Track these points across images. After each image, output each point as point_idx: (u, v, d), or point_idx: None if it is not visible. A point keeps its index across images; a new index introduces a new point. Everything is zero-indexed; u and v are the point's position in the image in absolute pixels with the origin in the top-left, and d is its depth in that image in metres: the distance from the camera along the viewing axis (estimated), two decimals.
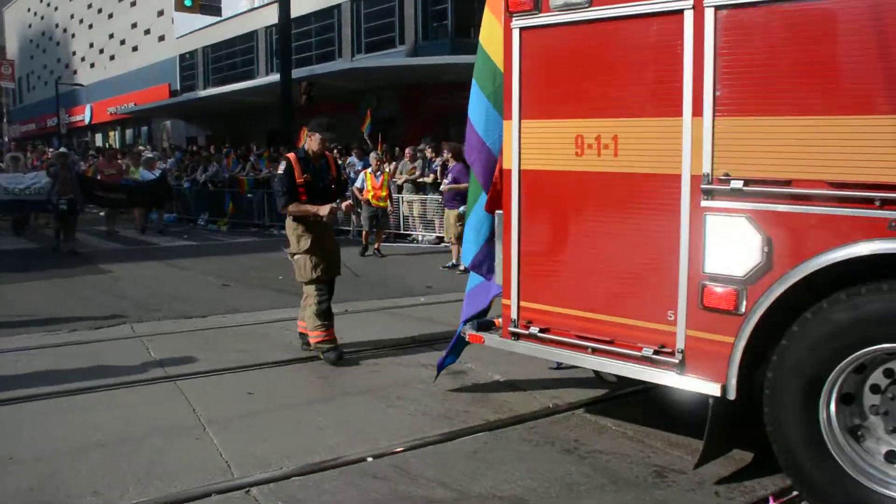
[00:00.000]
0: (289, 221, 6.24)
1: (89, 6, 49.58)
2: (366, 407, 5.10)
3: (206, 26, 33.62)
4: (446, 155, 12.02)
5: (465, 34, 24.70)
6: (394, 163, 15.62)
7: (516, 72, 4.34)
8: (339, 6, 28.32)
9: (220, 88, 30.81)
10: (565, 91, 4.19)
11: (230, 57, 35.79)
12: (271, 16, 25.18)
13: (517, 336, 4.49)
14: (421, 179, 14.96)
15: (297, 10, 24.74)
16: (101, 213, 17.73)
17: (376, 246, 13.01)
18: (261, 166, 17.92)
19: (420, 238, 14.82)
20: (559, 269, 4.31)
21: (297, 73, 22.30)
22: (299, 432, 4.61)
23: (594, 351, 4.14)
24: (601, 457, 4.21)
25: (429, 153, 14.75)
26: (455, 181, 11.38)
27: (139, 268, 11.79)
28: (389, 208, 13.82)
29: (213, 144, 25.75)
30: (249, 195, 17.51)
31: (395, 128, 22.38)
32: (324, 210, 6.06)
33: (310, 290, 6.20)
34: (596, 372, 5.05)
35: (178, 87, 39.20)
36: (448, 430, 4.61)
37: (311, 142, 6.28)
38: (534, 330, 4.38)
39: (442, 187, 12.25)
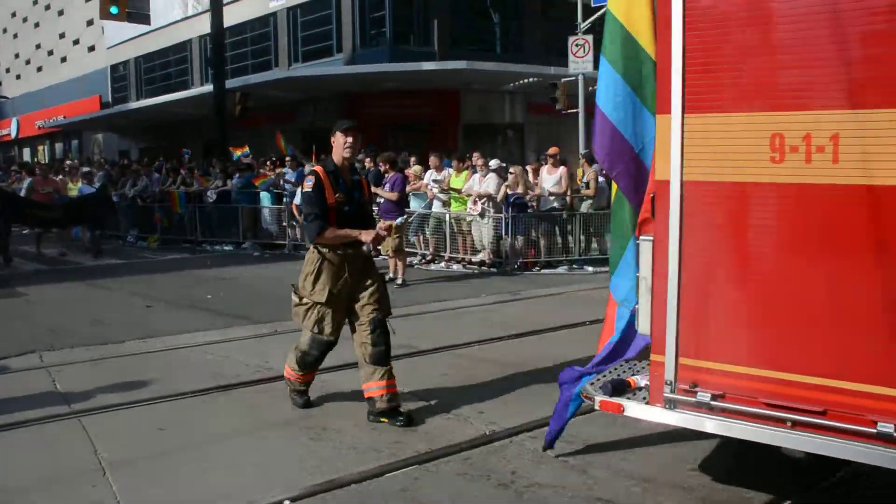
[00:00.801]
0: (311, 254, 5.01)
1: (13, 15, 47.82)
2: (288, 441, 4.68)
3: (138, 36, 32.66)
4: (382, 167, 11.66)
5: (405, 41, 24.43)
6: None
7: (678, 47, 3.26)
8: (275, 14, 27.74)
9: (153, 100, 29.85)
10: (754, 72, 3.15)
11: (164, 67, 34.82)
12: (205, 25, 24.49)
13: (673, 404, 3.42)
14: (375, 190, 14.52)
15: (231, 19, 24.14)
16: (25, 232, 16.83)
17: None
18: (192, 180, 17.25)
19: None
20: (742, 315, 3.27)
21: (231, 82, 21.70)
22: (210, 474, 4.17)
23: (795, 425, 3.12)
24: (540, 491, 3.88)
25: (367, 163, 14.36)
26: (394, 192, 11.05)
27: (59, 290, 11.09)
28: None
29: (146, 157, 24.87)
30: (181, 211, 16.78)
31: None
32: (368, 235, 4.92)
33: (305, 340, 5.08)
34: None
35: (110, 99, 38.01)
36: (376, 465, 4.23)
37: (341, 147, 4.97)
38: (703, 396, 3.30)
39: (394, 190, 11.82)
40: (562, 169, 12.77)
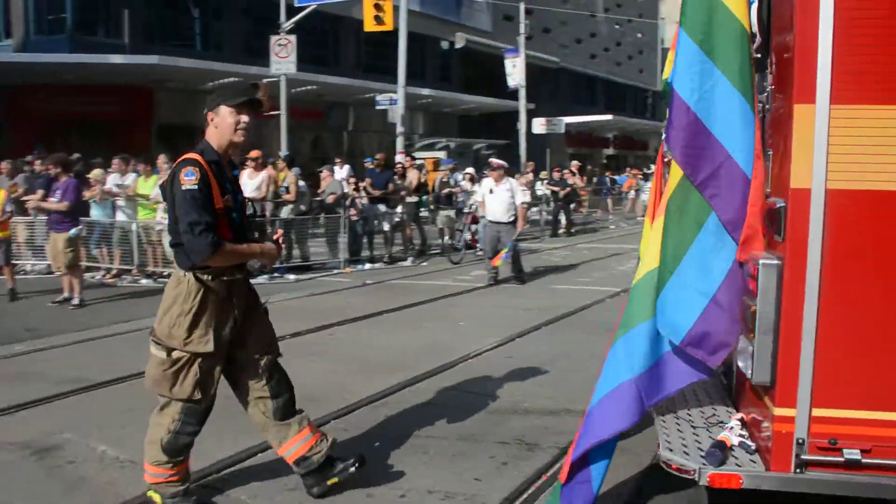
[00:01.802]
0: (183, 284, 3.55)
1: None
2: None
3: None
4: (53, 170, 10.26)
5: (89, 31, 22.17)
6: None
7: (827, 19, 2.58)
8: None
9: None
10: None
11: None
12: None
13: (803, 466, 2.76)
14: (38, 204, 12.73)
15: None
16: None
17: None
18: None
19: (30, 267, 12.66)
20: None
21: None
22: None
23: None
24: None
25: (37, 166, 12.66)
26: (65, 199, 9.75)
27: None
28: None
29: None
30: None
31: None
32: (269, 249, 3.79)
33: (175, 415, 3.61)
34: None
35: None
36: None
37: (229, 129, 3.59)
38: (852, 454, 2.69)
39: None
40: (264, 173, 12.27)
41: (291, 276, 12.05)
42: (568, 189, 20.42)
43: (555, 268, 13.32)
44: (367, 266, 13.46)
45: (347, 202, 13.58)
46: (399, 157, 17.10)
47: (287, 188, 12.66)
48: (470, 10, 33.59)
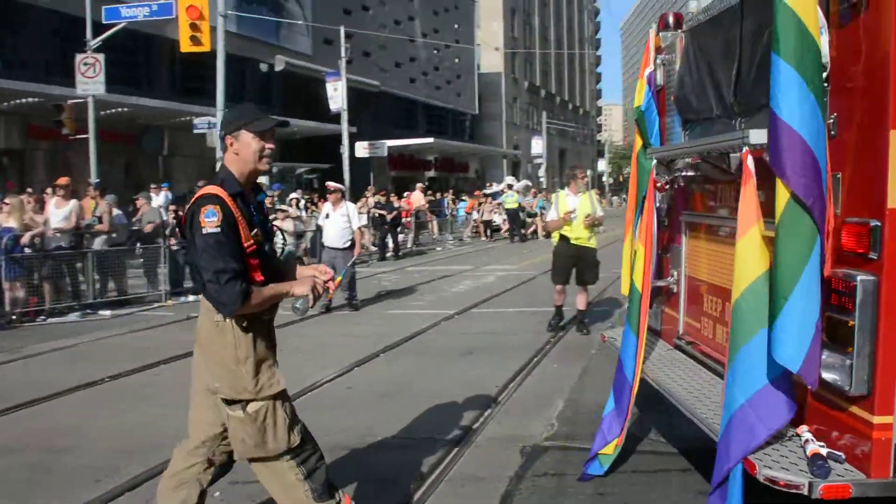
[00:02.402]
0: (228, 327, 3.14)
1: None
2: None
3: None
4: None
5: None
6: None
7: None
8: None
9: None
10: None
11: None
12: None
13: None
14: None
15: None
16: None
17: None
18: None
19: None
20: None
21: None
22: None
23: None
24: None
25: None
26: None
27: None
28: None
29: None
30: None
31: None
32: (303, 286, 3.26)
33: (287, 465, 3.21)
34: None
35: None
36: None
37: (252, 157, 3.19)
38: None
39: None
40: (73, 202, 11.37)
41: (107, 313, 11.23)
42: (394, 213, 20.60)
43: (388, 293, 13.35)
44: (192, 298, 12.79)
45: (167, 231, 12.89)
46: None
47: (99, 218, 11.81)
48: (290, 32, 33.14)
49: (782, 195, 3.04)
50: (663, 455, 4.86)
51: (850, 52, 3.10)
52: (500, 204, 26.74)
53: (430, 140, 39.87)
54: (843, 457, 3.11)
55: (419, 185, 24.30)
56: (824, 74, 3.14)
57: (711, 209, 4.59)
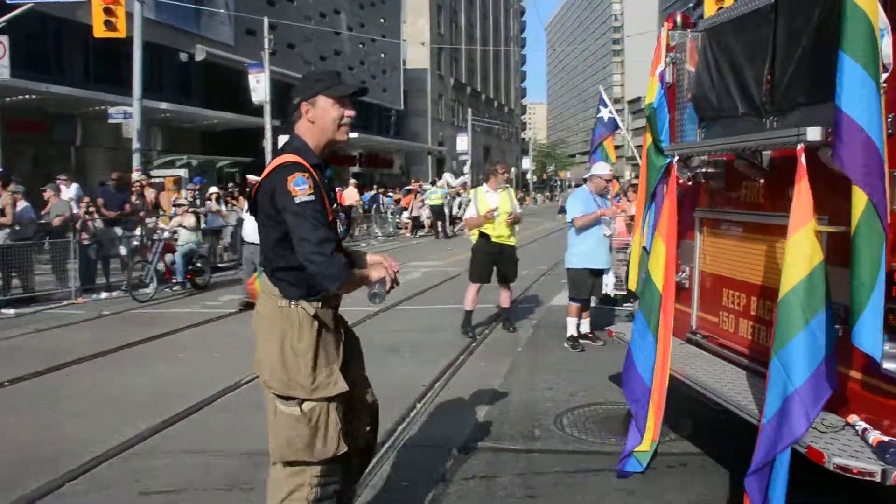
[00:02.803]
0: (289, 314, 2.90)
1: None
2: None
3: None
4: None
5: None
6: None
7: None
8: None
9: None
10: None
11: None
12: None
13: None
14: None
15: None
16: None
17: None
18: None
19: None
20: None
21: None
22: None
23: None
24: None
25: None
26: None
27: None
28: None
29: None
30: None
31: None
32: (377, 270, 3.05)
33: (309, 475, 2.91)
34: None
35: None
36: None
37: (330, 125, 2.96)
38: None
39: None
40: None
41: (11, 311, 10.64)
42: None
43: None
44: (104, 295, 12.28)
45: (77, 224, 12.31)
46: (136, 175, 15.86)
47: (2, 210, 11.18)
48: (211, 21, 32.19)
49: (859, 193, 3.10)
50: (588, 454, 4.85)
51: None
52: (423, 200, 26.66)
53: (355, 135, 39.50)
54: None
55: (352, 181, 23.94)
56: (884, 76, 3.22)
57: (738, 205, 4.56)
